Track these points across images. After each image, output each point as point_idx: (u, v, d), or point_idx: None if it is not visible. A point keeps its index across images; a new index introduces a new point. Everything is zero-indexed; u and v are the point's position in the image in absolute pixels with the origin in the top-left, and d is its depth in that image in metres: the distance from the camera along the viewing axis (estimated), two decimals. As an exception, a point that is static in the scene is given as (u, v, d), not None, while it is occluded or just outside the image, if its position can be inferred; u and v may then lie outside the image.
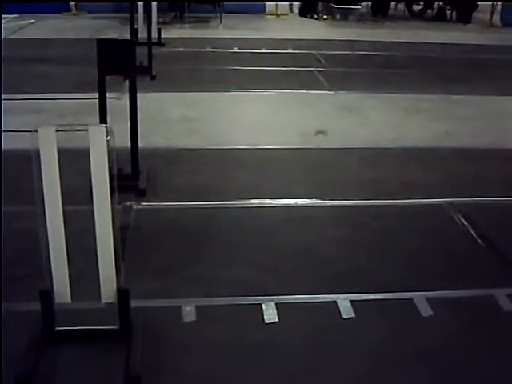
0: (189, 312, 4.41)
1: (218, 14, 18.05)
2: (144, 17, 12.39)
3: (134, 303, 4.03)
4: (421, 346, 4.18)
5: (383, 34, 16.96)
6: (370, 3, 20.05)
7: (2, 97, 8.58)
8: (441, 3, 20.47)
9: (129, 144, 6.28)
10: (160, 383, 3.77)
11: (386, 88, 10.90)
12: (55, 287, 3.88)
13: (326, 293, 4.69)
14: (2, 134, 7.14)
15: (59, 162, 3.68)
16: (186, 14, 17.94)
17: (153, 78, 10.95)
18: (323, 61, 13.08)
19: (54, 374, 3.86)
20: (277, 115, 9.31)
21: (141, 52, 9.56)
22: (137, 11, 12.47)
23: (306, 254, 5.29)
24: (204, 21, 17.98)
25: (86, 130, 3.67)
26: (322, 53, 13.73)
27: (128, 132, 6.24)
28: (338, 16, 19.49)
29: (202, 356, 4.01)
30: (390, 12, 20.35)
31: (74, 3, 18.66)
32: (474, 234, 5.71)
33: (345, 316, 4.45)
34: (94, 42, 5.93)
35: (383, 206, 6.28)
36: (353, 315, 4.46)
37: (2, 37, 14.01)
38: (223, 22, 17.76)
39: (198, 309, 4.45)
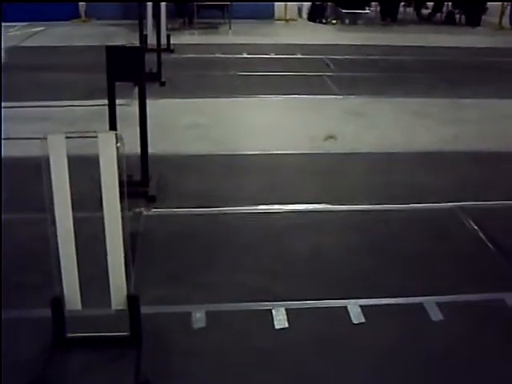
0: (199, 318, 4.42)
1: (227, 20, 18.06)
2: (153, 23, 12.43)
3: (144, 310, 4.04)
4: (431, 350, 4.18)
5: (392, 38, 16.94)
6: (378, 7, 20.04)
7: (13, 104, 8.63)
8: (450, 7, 20.46)
9: (138, 150, 6.31)
10: (170, 389, 3.79)
11: (395, 92, 10.89)
12: (66, 294, 3.89)
13: (335, 298, 4.70)
14: (12, 141, 7.17)
15: (69, 169, 3.70)
16: (195, 20, 17.97)
17: (162, 84, 10.97)
18: (332, 65, 13.08)
19: (65, 380, 3.87)
20: (286, 120, 9.31)
21: (150, 58, 9.60)
22: (146, 17, 12.51)
23: (315, 259, 5.29)
24: (213, 27, 18.01)
25: (96, 136, 3.69)
26: (331, 57, 13.73)
27: (138, 138, 6.27)
28: (346, 20, 19.51)
29: (212, 362, 4.02)
30: (398, 16, 20.33)
31: (83, 10, 18.71)
32: (484, 238, 5.69)
33: (355, 321, 4.45)
34: (103, 49, 5.95)
35: (392, 210, 6.27)
36: (363, 320, 4.46)
37: (13, 44, 14.09)
38: (232, 27, 17.76)
39: (208, 315, 4.46)
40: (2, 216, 5.45)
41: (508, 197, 6.58)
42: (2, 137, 7.30)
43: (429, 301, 4.68)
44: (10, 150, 7.07)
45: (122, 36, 15.11)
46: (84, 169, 4.58)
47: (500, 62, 13.96)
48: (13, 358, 3.91)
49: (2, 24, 12.85)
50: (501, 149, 8.06)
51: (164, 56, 11.72)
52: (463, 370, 4.01)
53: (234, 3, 18.08)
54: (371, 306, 4.62)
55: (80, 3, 18.68)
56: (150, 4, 12.49)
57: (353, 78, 12.06)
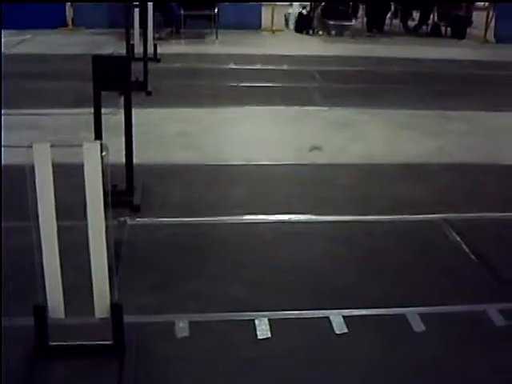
0: (182, 327, 4.43)
1: (214, 30, 18.09)
2: (140, 32, 12.44)
3: (127, 318, 4.04)
4: (413, 361, 4.20)
5: (378, 49, 17.02)
6: (365, 19, 20.13)
7: (-1, 112, 8.62)
8: (436, 19, 20.60)
9: (124, 160, 6.31)
10: (153, 398, 3.80)
11: (381, 104, 10.93)
12: (49, 302, 3.89)
13: (318, 308, 4.71)
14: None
15: (54, 178, 3.70)
16: (182, 30, 17.99)
17: (148, 93, 10.98)
18: (318, 76, 13.12)
19: (47, 389, 3.88)
20: (272, 131, 9.33)
21: (136, 68, 9.63)
22: (133, 27, 12.51)
23: (299, 270, 5.31)
24: (200, 36, 18.03)
25: (81, 145, 3.70)
26: (317, 69, 13.77)
27: (123, 148, 6.27)
28: (333, 32, 19.57)
29: (195, 371, 4.02)
30: (385, 28, 20.43)
31: (70, 19, 18.70)
32: (467, 250, 5.73)
33: (337, 331, 4.47)
34: (89, 58, 5.96)
35: (376, 221, 6.30)
36: (345, 331, 4.47)
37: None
38: (219, 37, 17.80)
39: (191, 324, 4.46)
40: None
41: (492, 209, 6.62)
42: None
43: (411, 312, 4.70)
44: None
45: (109, 45, 15.12)
46: (69, 177, 4.59)
47: (485, 75, 14.05)
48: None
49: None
50: (486, 161, 8.11)
51: (150, 65, 11.74)
52: (445, 382, 4.04)
53: (221, 14, 18.12)
54: (354, 316, 4.64)
55: (67, 12, 18.67)
56: (137, 13, 12.51)
57: (339, 90, 12.10)
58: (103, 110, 6.15)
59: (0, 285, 4.57)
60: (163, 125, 9.28)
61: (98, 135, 6.01)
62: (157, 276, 5.12)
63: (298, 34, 19.76)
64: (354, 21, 19.96)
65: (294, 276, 5.22)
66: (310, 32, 19.73)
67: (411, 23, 21.09)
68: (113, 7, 17.46)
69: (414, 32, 20.62)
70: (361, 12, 20.55)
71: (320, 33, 19.61)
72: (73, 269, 4.12)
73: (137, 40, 12.44)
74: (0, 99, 8.58)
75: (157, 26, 14.41)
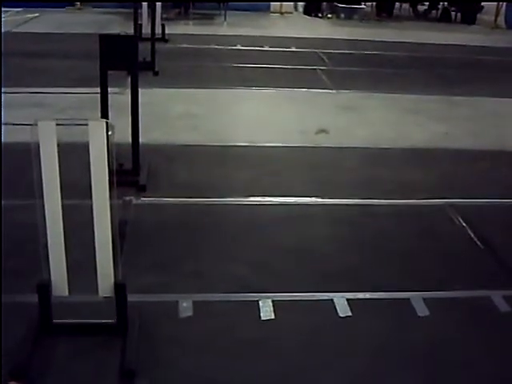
0: (186, 307, 4.42)
1: (223, 12, 18.04)
2: (148, 12, 12.41)
3: (131, 297, 4.04)
4: (417, 345, 4.19)
5: (387, 33, 16.96)
6: (374, 3, 20.04)
7: (4, 90, 8.59)
8: (446, 4, 20.49)
9: (130, 139, 6.30)
10: (155, 377, 3.79)
11: (388, 88, 10.91)
12: (53, 280, 3.89)
13: (322, 291, 4.70)
14: (3, 127, 7.13)
15: (59, 156, 3.69)
16: (191, 11, 17.94)
17: (156, 73, 10.98)
18: (326, 59, 13.09)
19: (50, 366, 3.87)
20: (278, 113, 9.32)
21: (144, 48, 9.60)
22: (141, 7, 12.47)
23: (304, 252, 5.30)
24: (208, 18, 17.98)
25: (86, 124, 3.68)
26: (325, 51, 13.74)
27: (129, 127, 6.26)
28: (342, 15, 19.51)
29: (198, 351, 4.02)
30: (394, 12, 20.35)
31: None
32: (473, 235, 5.71)
33: (341, 314, 4.46)
34: (97, 37, 5.94)
35: (382, 205, 6.29)
36: (349, 314, 4.47)
37: (7, 30, 14.03)
38: (227, 19, 17.75)
39: (195, 304, 4.46)
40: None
41: (497, 194, 6.60)
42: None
43: (415, 296, 4.69)
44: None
45: (117, 24, 15.08)
46: (75, 156, 4.58)
47: (494, 61, 14.00)
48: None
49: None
50: (491, 147, 8.08)
51: (158, 46, 11.72)
52: (449, 366, 4.02)
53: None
54: (358, 299, 4.63)
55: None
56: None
57: (347, 73, 12.08)
58: (110, 90, 6.14)
59: (0, 262, 4.56)
60: (170, 105, 9.27)
61: (105, 114, 6.01)
62: (161, 255, 5.11)
63: (306, 17, 19.73)
64: (363, 4, 19.87)
65: (299, 258, 5.21)
66: (319, 15, 19.67)
67: (421, 8, 21.01)
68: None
69: (424, 17, 20.56)
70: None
71: (329, 16, 19.55)
72: (77, 247, 4.13)
73: (145, 20, 12.40)
74: (0, 78, 8.56)
75: (165, 7, 14.37)
